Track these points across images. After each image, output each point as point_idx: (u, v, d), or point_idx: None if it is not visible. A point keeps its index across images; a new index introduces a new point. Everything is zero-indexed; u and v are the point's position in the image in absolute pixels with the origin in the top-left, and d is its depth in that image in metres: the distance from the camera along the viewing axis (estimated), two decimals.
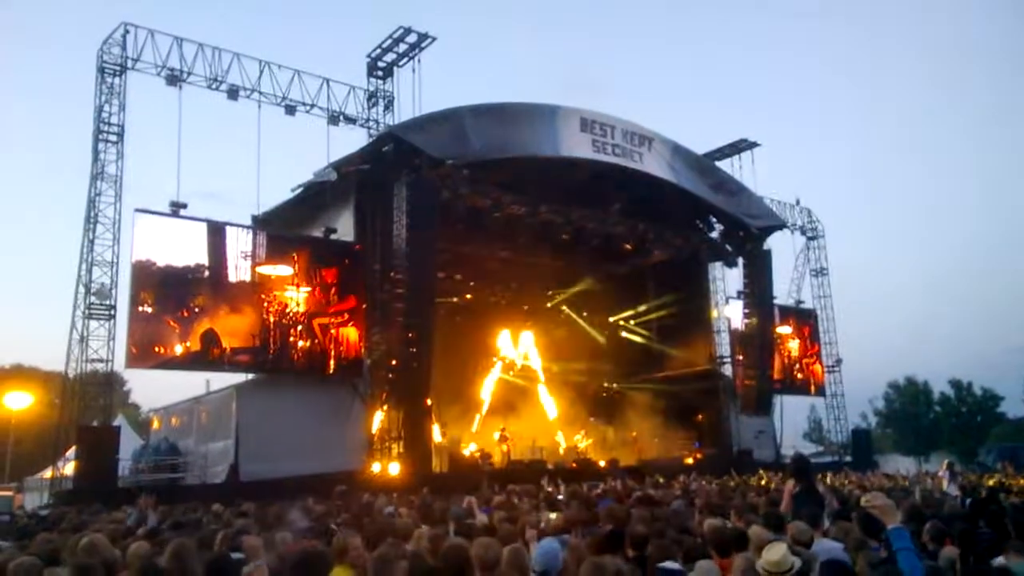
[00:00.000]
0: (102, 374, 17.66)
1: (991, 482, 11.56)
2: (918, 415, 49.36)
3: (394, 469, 18.57)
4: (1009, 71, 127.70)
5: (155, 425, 24.16)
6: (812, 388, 31.31)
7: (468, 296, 27.86)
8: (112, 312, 17.36)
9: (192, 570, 4.11)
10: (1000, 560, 4.75)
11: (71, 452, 17.97)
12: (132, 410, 40.40)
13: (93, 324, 17.23)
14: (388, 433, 19.45)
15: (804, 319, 31.24)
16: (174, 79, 18.55)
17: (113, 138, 18.06)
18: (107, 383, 18.28)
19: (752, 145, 28.94)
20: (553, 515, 7.44)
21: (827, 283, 32.14)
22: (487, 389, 28.01)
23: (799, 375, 30.56)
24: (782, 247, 30.94)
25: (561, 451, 25.85)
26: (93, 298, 17.28)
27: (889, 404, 51.54)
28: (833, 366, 31.74)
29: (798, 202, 31.68)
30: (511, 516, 7.06)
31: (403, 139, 19.50)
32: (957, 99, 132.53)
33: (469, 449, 23.84)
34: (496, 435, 24.78)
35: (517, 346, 29.65)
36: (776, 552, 3.77)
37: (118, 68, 18.19)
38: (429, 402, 19.77)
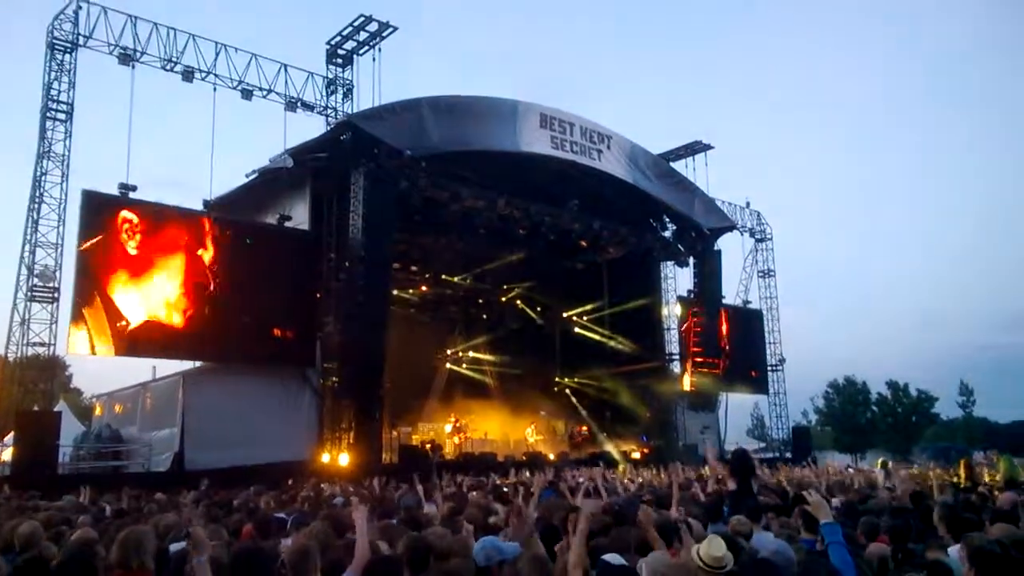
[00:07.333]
0: (44, 358, 17.22)
1: (930, 479, 12.02)
2: (855, 414, 50.93)
3: (344, 460, 18.52)
4: (961, 77, 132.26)
5: (98, 411, 23.56)
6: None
7: (423, 288, 27.83)
8: (56, 295, 16.92)
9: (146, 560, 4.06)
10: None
11: (9, 438, 17.45)
12: (74, 395, 39.21)
13: (35, 307, 16.77)
14: (339, 423, 19.38)
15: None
16: (127, 58, 18.09)
17: (62, 116, 17.55)
18: (49, 367, 17.85)
19: (706, 147, 29.50)
20: (501, 508, 7.53)
21: (774, 284, 33.02)
22: (439, 381, 28.03)
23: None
24: (732, 248, 31.75)
25: (511, 444, 26.08)
26: (36, 280, 16.82)
27: (829, 403, 53.06)
28: (776, 365, 32.61)
29: (748, 204, 32.50)
30: (459, 507, 7.15)
31: (361, 128, 19.33)
32: (908, 103, 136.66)
33: (420, 441, 23.90)
34: (448, 427, 24.87)
35: (470, 339, 29.76)
36: (718, 548, 3.82)
37: (69, 45, 17.65)
38: (381, 393, 19.74)
